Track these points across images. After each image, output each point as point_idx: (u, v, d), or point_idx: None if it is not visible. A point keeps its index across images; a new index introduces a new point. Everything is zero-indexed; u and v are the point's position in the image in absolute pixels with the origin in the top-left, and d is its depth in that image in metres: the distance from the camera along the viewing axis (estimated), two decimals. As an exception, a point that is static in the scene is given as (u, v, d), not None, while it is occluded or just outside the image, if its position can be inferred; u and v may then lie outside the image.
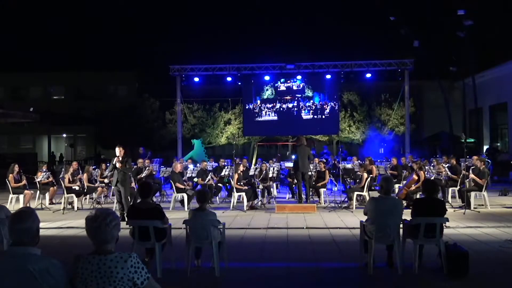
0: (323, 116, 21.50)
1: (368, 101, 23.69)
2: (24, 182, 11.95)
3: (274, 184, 13.36)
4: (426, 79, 26.87)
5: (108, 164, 14.61)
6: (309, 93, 21.59)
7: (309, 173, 11.90)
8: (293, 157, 19.57)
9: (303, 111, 21.62)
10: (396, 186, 11.98)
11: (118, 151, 9.71)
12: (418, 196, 10.45)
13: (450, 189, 11.97)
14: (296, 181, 11.82)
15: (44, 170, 12.59)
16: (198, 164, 15.08)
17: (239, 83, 21.74)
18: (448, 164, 12.57)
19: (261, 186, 12.26)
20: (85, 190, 11.94)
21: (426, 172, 11.72)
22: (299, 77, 21.42)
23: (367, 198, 10.66)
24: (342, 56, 22.69)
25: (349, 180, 12.72)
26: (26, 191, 11.79)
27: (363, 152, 20.99)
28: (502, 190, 13.79)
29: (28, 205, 11.39)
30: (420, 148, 22.60)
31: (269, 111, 21.77)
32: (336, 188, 14.46)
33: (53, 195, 12.73)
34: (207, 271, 5.77)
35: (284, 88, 21.73)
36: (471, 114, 25.89)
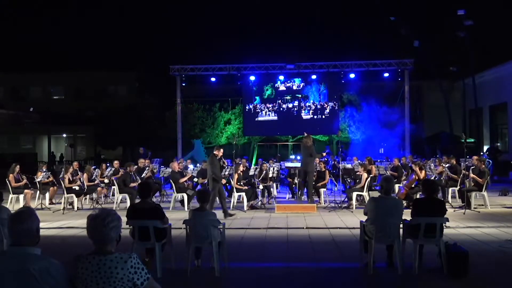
0: (323, 116, 21.51)
1: (368, 101, 23.67)
2: (24, 181, 11.96)
3: (274, 184, 13.37)
4: (426, 79, 26.86)
5: (108, 164, 14.64)
6: (309, 93, 21.60)
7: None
8: (292, 157, 19.54)
9: (303, 111, 21.63)
10: (396, 186, 11.98)
11: (218, 151, 10.34)
12: (418, 196, 10.45)
13: (450, 189, 11.97)
14: (296, 181, 11.83)
15: (44, 170, 12.59)
16: (198, 164, 15.08)
17: (239, 83, 21.75)
18: (448, 164, 12.57)
19: (261, 186, 12.26)
20: (85, 190, 11.94)
21: (426, 172, 11.72)
22: (299, 77, 21.43)
23: (367, 198, 10.66)
24: (342, 56, 22.67)
25: (349, 180, 12.71)
26: (26, 190, 11.80)
27: (359, 152, 20.97)
28: (502, 190, 13.79)
29: (28, 204, 11.40)
30: (420, 148, 22.58)
31: (269, 111, 21.78)
32: (336, 188, 14.45)
33: (53, 195, 12.73)
34: (207, 271, 5.77)
35: (284, 88, 21.74)
36: (471, 114, 25.89)
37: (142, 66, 34.24)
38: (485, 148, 24.22)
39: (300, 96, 21.66)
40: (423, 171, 11.25)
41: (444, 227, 5.78)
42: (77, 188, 11.64)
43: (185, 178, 11.86)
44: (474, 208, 10.69)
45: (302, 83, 21.58)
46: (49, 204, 12.36)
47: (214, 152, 10.39)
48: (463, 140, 12.40)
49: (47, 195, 12.49)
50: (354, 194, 11.40)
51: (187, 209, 10.47)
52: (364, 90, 23.67)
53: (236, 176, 11.56)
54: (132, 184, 11.48)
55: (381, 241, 5.62)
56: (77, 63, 37.13)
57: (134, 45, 40.43)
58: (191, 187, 12.11)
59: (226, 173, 12.76)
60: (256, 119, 21.89)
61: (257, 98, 21.82)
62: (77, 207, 11.48)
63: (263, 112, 21.81)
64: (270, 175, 12.57)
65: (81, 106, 34.87)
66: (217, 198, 10.13)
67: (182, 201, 11.68)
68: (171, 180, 12.01)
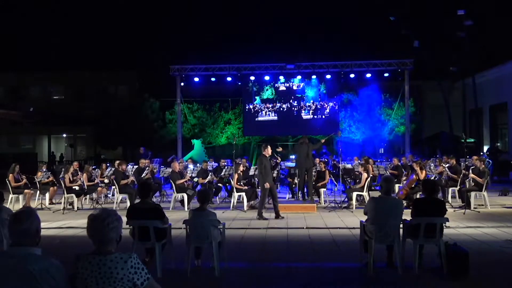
0: (323, 116, 21.51)
1: (368, 101, 23.67)
2: (24, 181, 11.96)
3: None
4: (426, 79, 26.86)
5: (108, 164, 14.64)
6: (309, 93, 21.61)
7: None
8: (292, 157, 19.54)
9: (303, 111, 21.63)
10: (396, 186, 11.98)
11: (267, 151, 10.02)
12: (418, 196, 10.45)
13: (450, 189, 11.97)
14: (296, 181, 11.81)
15: (44, 170, 12.60)
16: (198, 164, 15.08)
17: (239, 83, 21.76)
18: (448, 164, 12.58)
19: (261, 186, 12.24)
20: (85, 190, 11.93)
21: (426, 172, 11.71)
22: (299, 77, 21.43)
23: (367, 198, 10.66)
24: (342, 56, 22.66)
25: (349, 180, 12.71)
26: (26, 190, 11.80)
27: (359, 152, 20.97)
28: (502, 190, 13.79)
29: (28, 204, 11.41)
30: (420, 148, 22.56)
31: (269, 111, 21.78)
32: (336, 188, 14.44)
33: (53, 195, 12.73)
34: (207, 271, 5.77)
35: (284, 88, 21.75)
36: (471, 114, 25.90)
37: (142, 66, 34.23)
38: (485, 148, 24.23)
39: (300, 96, 21.68)
40: (424, 171, 11.25)
41: (444, 227, 5.78)
42: (77, 188, 11.64)
43: (182, 181, 11.80)
44: (474, 208, 10.69)
45: (302, 83, 21.59)
46: (49, 204, 12.36)
47: (263, 153, 10.03)
48: (463, 140, 12.42)
49: (47, 195, 12.49)
50: (354, 194, 11.40)
51: (187, 209, 10.47)
52: (364, 90, 23.68)
53: (236, 176, 11.56)
54: (123, 182, 11.43)
55: (381, 241, 5.61)
56: (77, 63, 37.05)
57: (134, 45, 40.34)
58: (191, 187, 12.11)
59: (226, 173, 12.78)
60: (256, 119, 21.89)
61: (257, 98, 21.83)
62: (77, 207, 11.48)
63: (263, 112, 21.82)
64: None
65: (81, 106, 34.82)
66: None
67: (182, 201, 11.68)
68: (171, 180, 12.01)
